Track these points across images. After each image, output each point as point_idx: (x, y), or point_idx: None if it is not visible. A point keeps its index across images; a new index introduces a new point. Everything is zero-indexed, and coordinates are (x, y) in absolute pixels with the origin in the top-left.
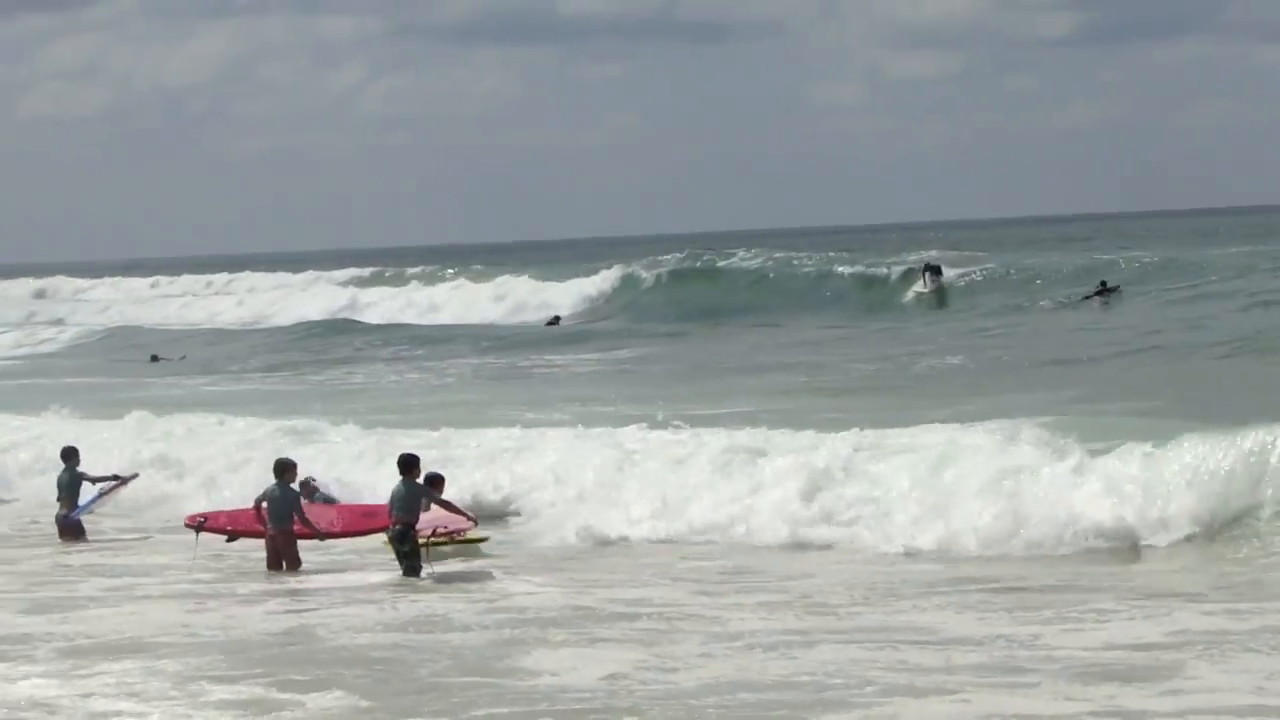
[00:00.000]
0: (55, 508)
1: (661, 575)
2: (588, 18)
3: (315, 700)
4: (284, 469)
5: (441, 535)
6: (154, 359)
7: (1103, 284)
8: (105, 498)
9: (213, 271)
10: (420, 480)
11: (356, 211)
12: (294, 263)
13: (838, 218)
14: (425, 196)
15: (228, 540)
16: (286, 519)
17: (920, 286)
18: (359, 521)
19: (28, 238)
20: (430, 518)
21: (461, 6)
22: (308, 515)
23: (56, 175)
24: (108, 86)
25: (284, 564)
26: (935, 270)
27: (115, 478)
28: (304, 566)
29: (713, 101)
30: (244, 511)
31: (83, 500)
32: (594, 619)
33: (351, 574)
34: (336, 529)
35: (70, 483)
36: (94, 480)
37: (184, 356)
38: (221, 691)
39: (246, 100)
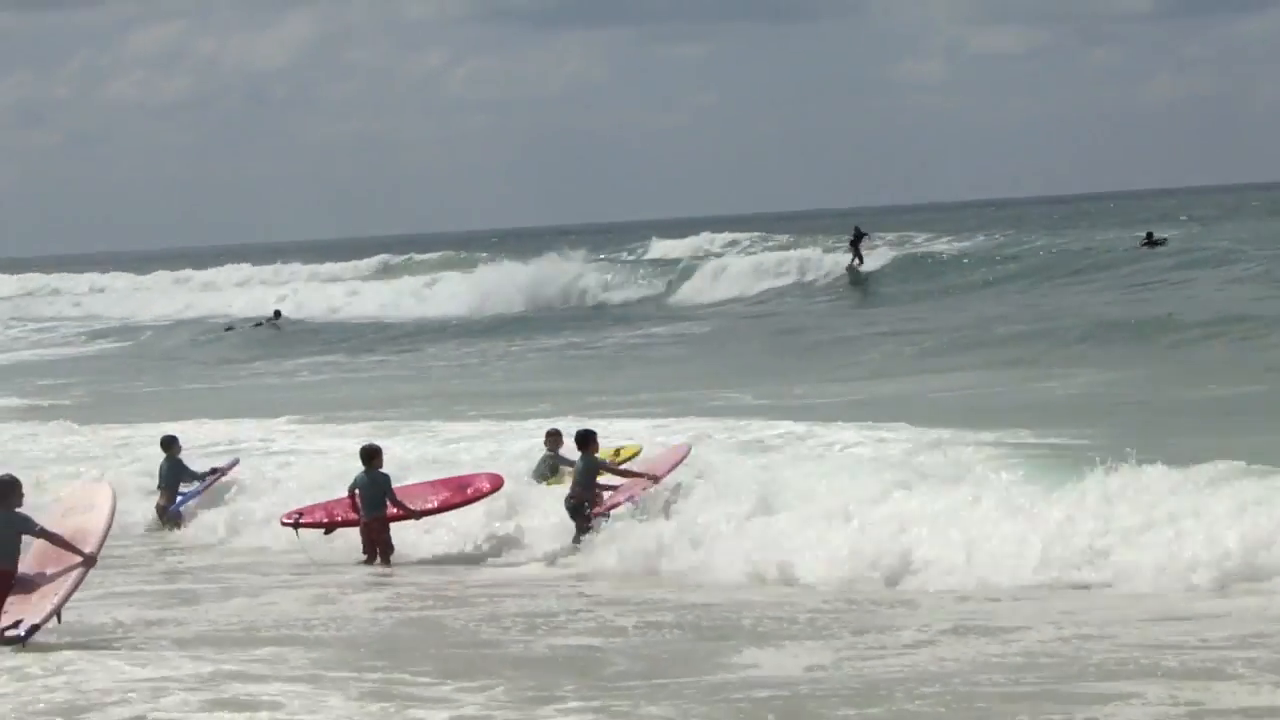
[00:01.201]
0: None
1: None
2: None
3: (465, 695)
4: (371, 455)
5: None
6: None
7: (1149, 235)
8: (207, 491)
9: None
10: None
11: (440, 195)
12: (376, 248)
13: (920, 195)
14: (508, 179)
15: (325, 534)
16: (379, 505)
17: (853, 261)
18: (456, 495)
19: (111, 224)
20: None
21: None
22: (400, 497)
23: (142, 161)
24: (192, 72)
25: (377, 552)
26: (856, 242)
27: (214, 470)
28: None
29: (794, 81)
30: (339, 502)
31: (184, 491)
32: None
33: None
34: (434, 505)
35: (170, 472)
36: (195, 475)
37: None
38: (372, 684)
39: (330, 84)
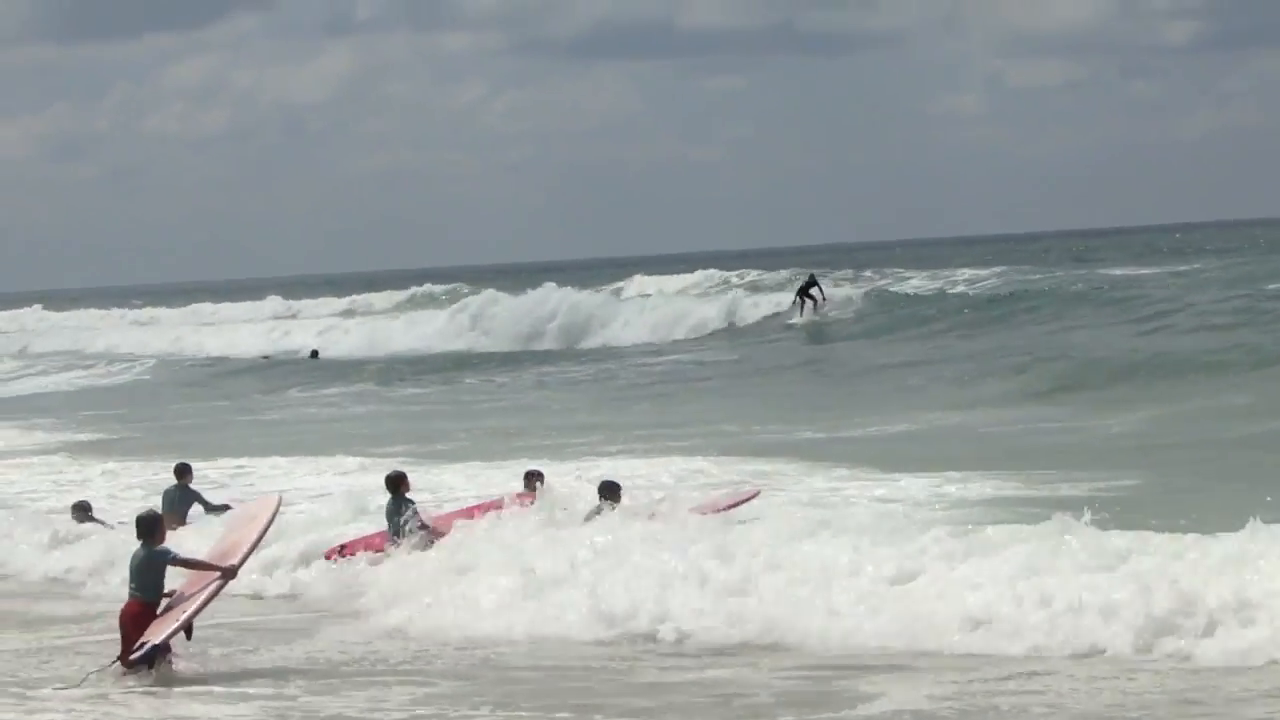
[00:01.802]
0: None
1: None
2: (706, 31)
3: None
4: (396, 482)
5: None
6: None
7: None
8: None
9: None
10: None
11: (478, 227)
12: (418, 278)
13: (959, 228)
14: (545, 211)
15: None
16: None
17: (797, 313)
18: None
19: (150, 256)
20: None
21: (581, 21)
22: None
23: (180, 194)
24: (230, 105)
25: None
26: (805, 290)
27: (227, 507)
28: None
29: (831, 114)
30: (379, 534)
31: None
32: None
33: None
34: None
35: (181, 499)
36: (209, 506)
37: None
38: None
39: (368, 117)
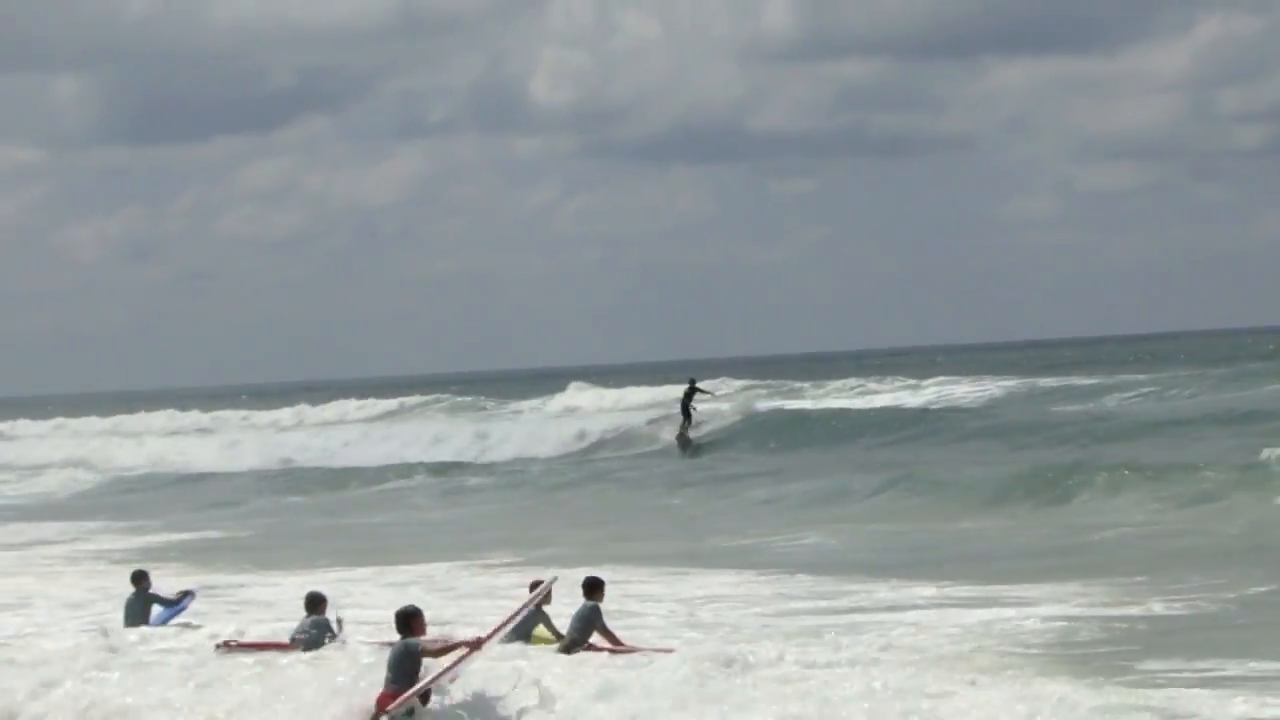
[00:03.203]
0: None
1: None
2: (778, 135)
3: None
4: (315, 602)
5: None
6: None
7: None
8: (175, 618)
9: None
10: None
11: (550, 330)
12: (489, 381)
13: (1031, 332)
14: (619, 314)
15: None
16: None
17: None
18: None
19: (221, 358)
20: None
21: (652, 125)
22: None
23: (251, 296)
24: (301, 207)
25: None
26: (688, 398)
27: (185, 593)
28: None
29: (903, 216)
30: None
31: (153, 620)
32: None
33: None
34: None
35: (138, 604)
36: (163, 601)
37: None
38: None
39: (439, 219)
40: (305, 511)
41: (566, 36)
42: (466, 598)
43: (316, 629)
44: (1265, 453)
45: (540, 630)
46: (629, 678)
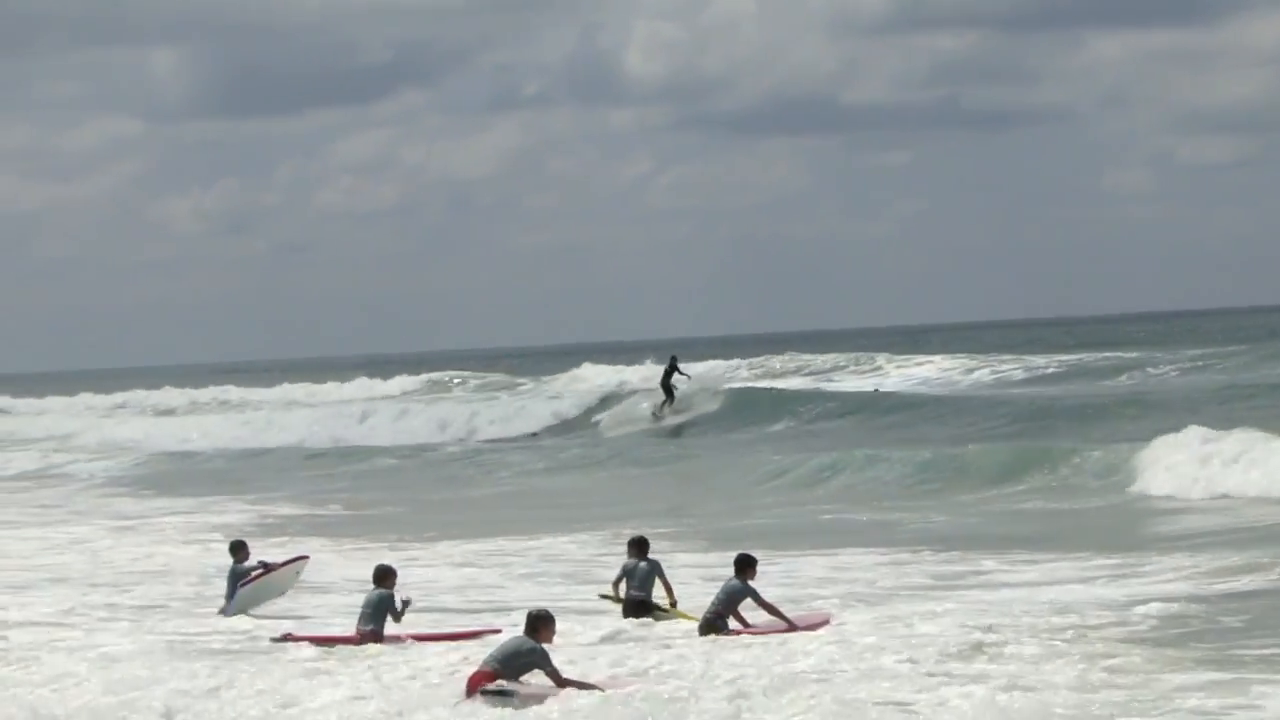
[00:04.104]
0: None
1: None
2: (871, 107)
3: None
4: (384, 574)
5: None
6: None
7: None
8: (250, 586)
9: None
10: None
11: (643, 303)
12: (585, 353)
13: (1127, 304)
14: (710, 287)
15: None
16: (380, 619)
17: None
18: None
19: (318, 330)
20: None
21: (745, 98)
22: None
23: (347, 268)
24: (397, 180)
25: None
26: (667, 378)
27: (262, 565)
28: None
29: (998, 189)
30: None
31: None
32: None
33: None
34: (432, 634)
35: (235, 577)
36: (247, 573)
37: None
38: None
39: (533, 193)
40: (382, 485)
41: (660, 9)
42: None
43: (381, 604)
44: None
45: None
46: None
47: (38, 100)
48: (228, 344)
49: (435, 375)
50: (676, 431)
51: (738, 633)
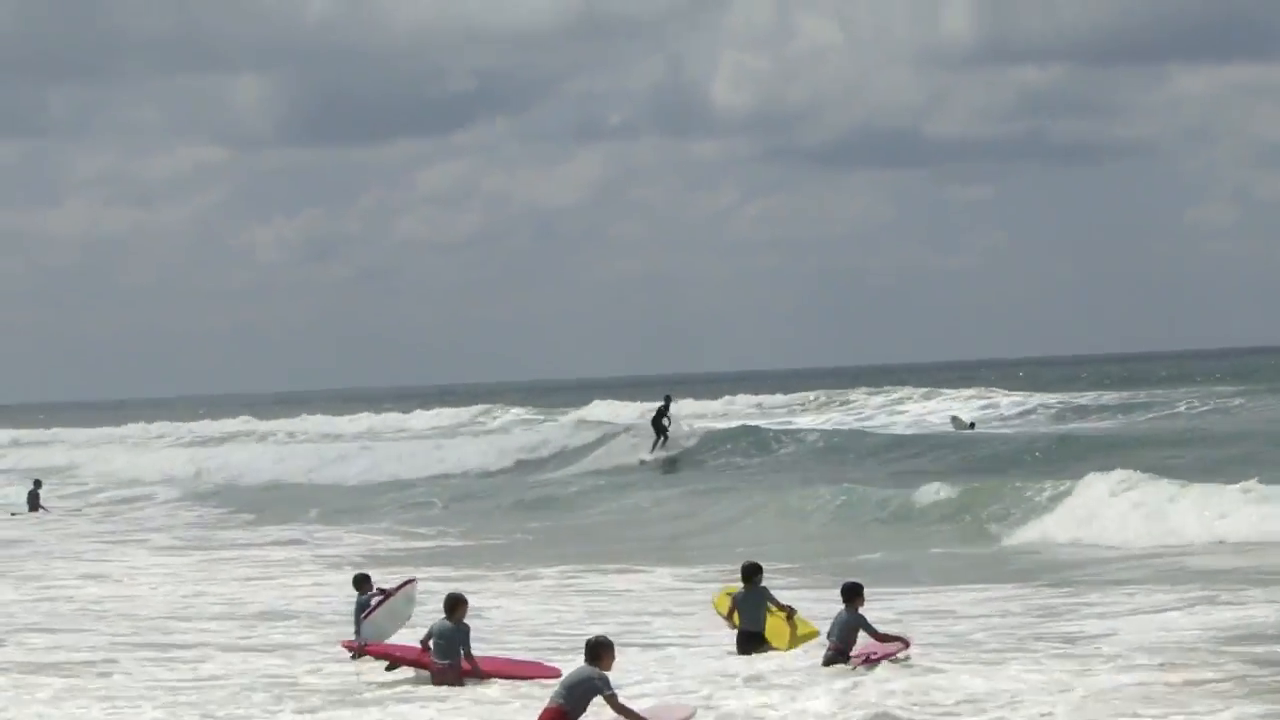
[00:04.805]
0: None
1: None
2: (956, 140)
3: None
4: (455, 604)
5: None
6: None
7: (663, 408)
8: (373, 615)
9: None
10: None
11: (726, 334)
12: (659, 384)
13: (1211, 340)
14: (795, 319)
15: (387, 668)
16: (454, 654)
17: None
18: (523, 668)
19: (400, 358)
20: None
21: (831, 130)
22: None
23: (429, 296)
24: (480, 209)
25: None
26: (659, 418)
27: (382, 592)
28: None
29: (1082, 223)
30: (409, 647)
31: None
32: None
33: None
34: (505, 670)
35: (357, 611)
36: (369, 602)
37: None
38: None
39: (617, 223)
40: (485, 514)
41: (746, 40)
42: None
43: (458, 634)
44: None
45: (776, 623)
46: None
47: (122, 126)
48: (309, 371)
49: (483, 408)
50: (671, 465)
51: (860, 660)
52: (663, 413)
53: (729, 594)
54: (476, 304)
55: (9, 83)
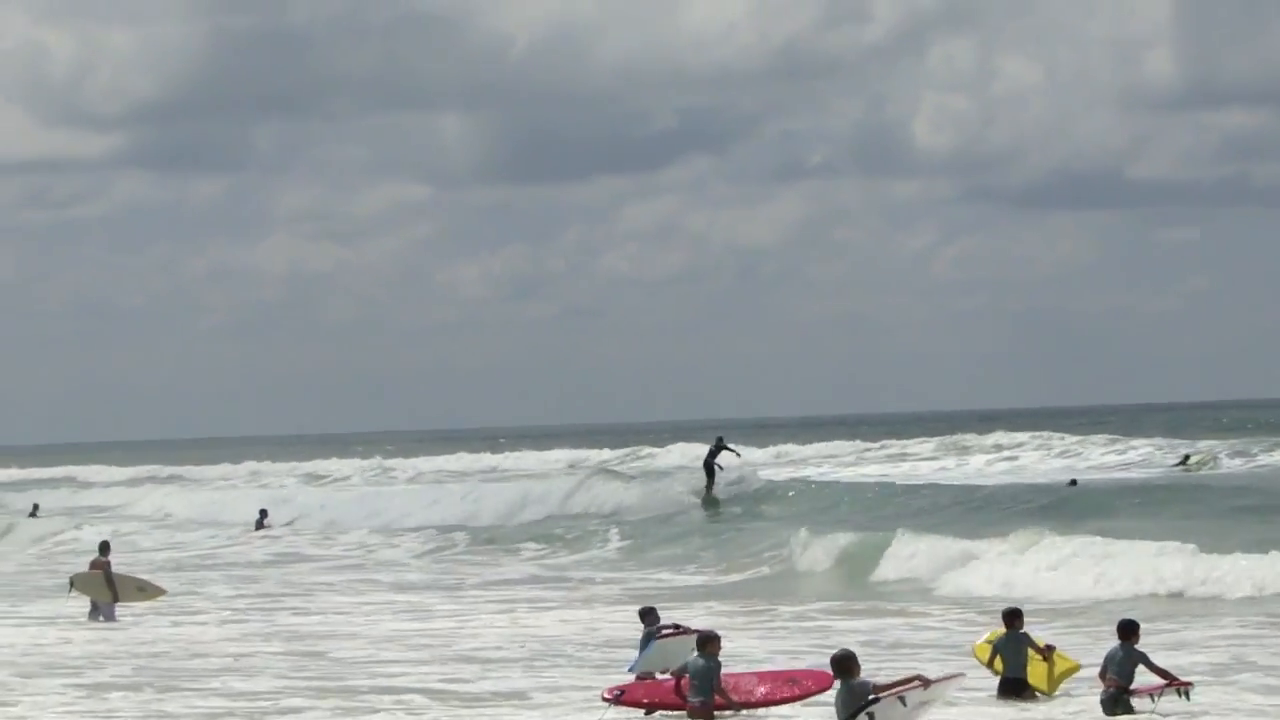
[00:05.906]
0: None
1: None
2: (1160, 182)
3: None
4: (707, 641)
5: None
6: None
7: (1185, 457)
8: (655, 648)
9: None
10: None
11: (927, 375)
12: (868, 424)
13: None
14: (997, 360)
15: (645, 714)
16: (708, 691)
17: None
18: (782, 690)
19: (610, 396)
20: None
21: (1032, 171)
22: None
23: (633, 335)
24: (683, 247)
25: None
26: (711, 458)
27: (676, 627)
28: None
29: None
30: (663, 684)
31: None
32: None
33: None
34: (756, 699)
35: (644, 641)
36: (655, 633)
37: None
38: None
39: (819, 263)
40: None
41: (947, 81)
42: None
43: (710, 671)
44: None
45: (1035, 666)
46: None
47: (327, 163)
48: (514, 407)
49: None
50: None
51: (1141, 693)
52: (715, 453)
53: (991, 641)
54: (679, 342)
55: (217, 119)
